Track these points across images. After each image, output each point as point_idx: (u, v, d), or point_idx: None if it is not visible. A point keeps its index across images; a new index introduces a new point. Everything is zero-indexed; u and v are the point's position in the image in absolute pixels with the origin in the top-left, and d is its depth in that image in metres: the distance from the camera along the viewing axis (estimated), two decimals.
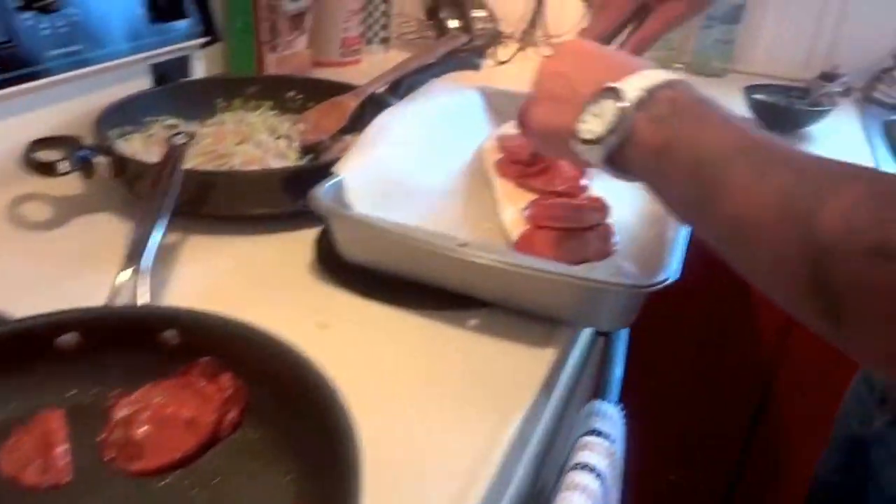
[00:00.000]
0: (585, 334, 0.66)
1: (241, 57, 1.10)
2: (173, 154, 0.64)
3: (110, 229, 0.71)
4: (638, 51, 0.66)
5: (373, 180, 0.67)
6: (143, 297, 0.53)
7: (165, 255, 0.68)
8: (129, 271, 0.54)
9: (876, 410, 0.65)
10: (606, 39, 0.67)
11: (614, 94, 0.44)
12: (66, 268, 0.65)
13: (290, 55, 1.12)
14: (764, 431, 1.15)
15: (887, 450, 0.61)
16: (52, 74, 0.78)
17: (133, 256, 0.55)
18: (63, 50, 0.79)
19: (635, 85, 0.44)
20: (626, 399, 0.66)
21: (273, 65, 1.10)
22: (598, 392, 0.67)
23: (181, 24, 0.90)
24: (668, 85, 0.44)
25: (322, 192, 0.61)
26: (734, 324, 1.09)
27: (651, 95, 0.43)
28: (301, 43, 1.14)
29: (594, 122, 0.45)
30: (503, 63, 1.37)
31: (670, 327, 0.99)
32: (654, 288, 0.53)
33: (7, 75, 0.74)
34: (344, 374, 0.54)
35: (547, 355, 0.58)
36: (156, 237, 0.56)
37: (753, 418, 1.15)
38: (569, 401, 0.69)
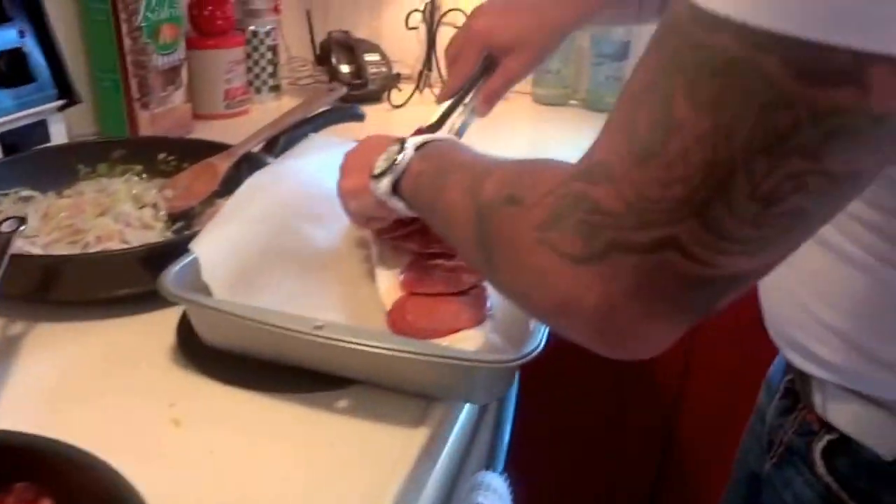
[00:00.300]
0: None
1: (112, 117, 1.04)
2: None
3: None
4: (488, 102, 0.74)
5: (233, 255, 0.63)
6: None
7: (6, 349, 0.62)
8: None
9: (766, 451, 0.65)
10: (461, 94, 0.74)
11: (400, 142, 0.58)
12: None
13: (165, 111, 1.06)
14: (670, 472, 1.15)
15: (774, 490, 0.60)
16: None
17: None
18: None
19: (418, 138, 0.58)
20: (526, 461, 0.63)
21: (147, 123, 1.04)
22: (490, 460, 0.64)
23: (28, 89, 0.84)
24: (443, 140, 0.59)
25: (171, 276, 0.57)
26: (632, 372, 1.08)
27: (427, 144, 0.58)
28: (178, 97, 1.09)
29: (384, 162, 0.58)
30: (398, 107, 1.34)
31: (566, 385, 0.98)
32: (522, 361, 0.50)
33: None
34: (197, 477, 0.50)
35: (422, 433, 0.55)
36: None
37: (660, 458, 1.15)
38: (459, 473, 0.66)
